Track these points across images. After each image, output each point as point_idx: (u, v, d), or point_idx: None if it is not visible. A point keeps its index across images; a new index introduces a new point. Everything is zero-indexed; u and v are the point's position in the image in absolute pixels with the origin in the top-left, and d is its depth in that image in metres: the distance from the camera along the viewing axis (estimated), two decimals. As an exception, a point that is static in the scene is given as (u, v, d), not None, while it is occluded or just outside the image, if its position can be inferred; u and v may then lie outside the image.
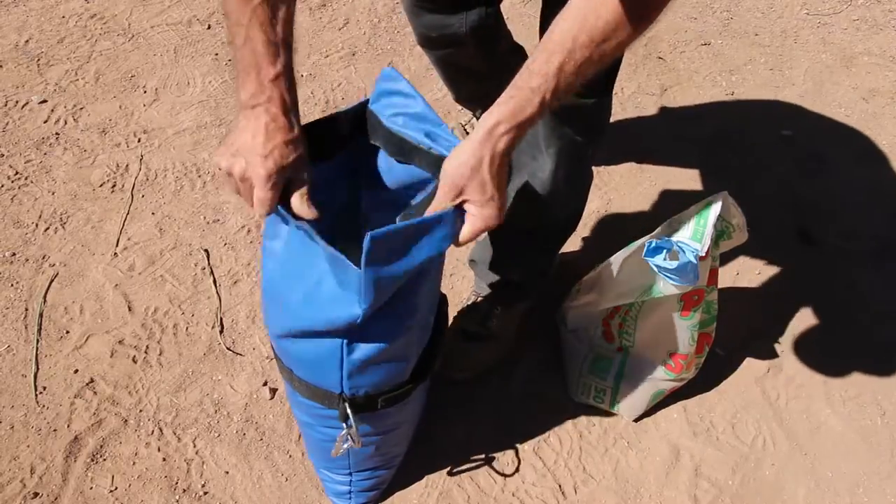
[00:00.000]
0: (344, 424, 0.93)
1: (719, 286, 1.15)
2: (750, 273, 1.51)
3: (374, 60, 1.98)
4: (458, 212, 0.79)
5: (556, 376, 1.33)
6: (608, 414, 1.28)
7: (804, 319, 1.43)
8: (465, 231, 0.80)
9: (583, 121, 1.08)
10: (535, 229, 1.21)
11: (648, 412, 1.27)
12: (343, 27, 2.08)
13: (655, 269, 1.02)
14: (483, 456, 1.22)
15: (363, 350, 0.86)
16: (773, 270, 1.52)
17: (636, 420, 1.27)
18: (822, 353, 1.38)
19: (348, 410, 0.91)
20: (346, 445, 0.95)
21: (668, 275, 1.01)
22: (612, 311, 1.20)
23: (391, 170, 0.93)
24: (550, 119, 1.07)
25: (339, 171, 0.94)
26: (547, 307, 1.39)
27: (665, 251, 1.01)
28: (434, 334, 0.99)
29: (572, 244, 1.53)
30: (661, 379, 1.21)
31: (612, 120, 1.77)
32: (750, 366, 1.36)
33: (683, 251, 1.01)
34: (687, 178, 1.70)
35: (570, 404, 1.29)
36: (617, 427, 1.27)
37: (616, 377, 1.23)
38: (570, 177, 1.14)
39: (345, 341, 0.85)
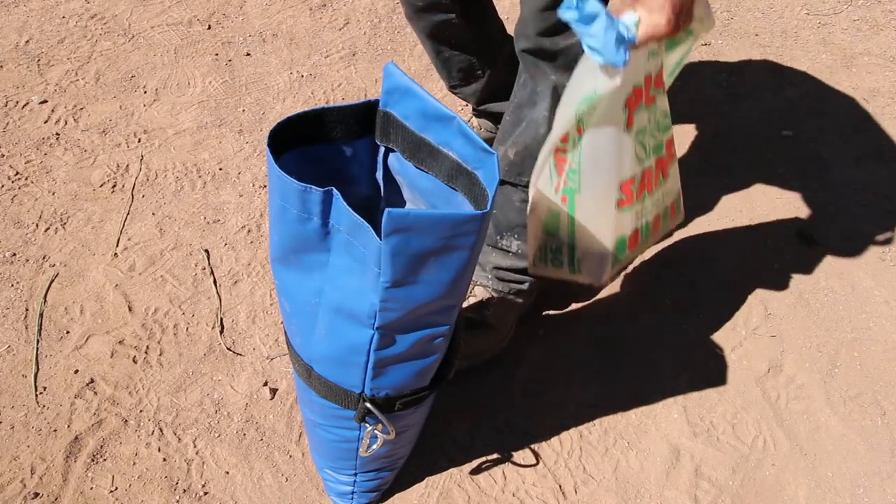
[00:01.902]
0: (366, 424, 0.92)
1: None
2: (750, 273, 1.51)
3: (374, 60, 1.98)
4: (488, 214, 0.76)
5: (557, 376, 1.33)
6: (608, 414, 1.28)
7: (804, 319, 1.44)
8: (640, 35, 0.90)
9: (571, 58, 1.10)
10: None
11: (648, 412, 1.27)
12: (343, 27, 2.08)
13: (569, 22, 0.89)
14: (483, 456, 1.22)
15: (391, 347, 0.84)
16: (773, 270, 1.52)
17: (602, 288, 1.16)
18: (822, 353, 1.39)
19: (373, 408, 0.90)
20: (375, 445, 0.94)
21: (578, 25, 0.88)
22: (558, 159, 1.07)
23: (405, 172, 0.92)
24: (540, 60, 1.14)
25: (360, 164, 0.93)
26: (546, 306, 1.39)
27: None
28: (453, 338, 0.96)
29: (572, 244, 1.53)
30: (616, 222, 1.08)
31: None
32: (750, 366, 1.36)
33: (612, 20, 0.88)
34: (687, 178, 1.70)
35: (571, 404, 1.29)
36: (617, 427, 1.27)
37: (569, 232, 1.11)
38: None
39: (374, 336, 0.83)
